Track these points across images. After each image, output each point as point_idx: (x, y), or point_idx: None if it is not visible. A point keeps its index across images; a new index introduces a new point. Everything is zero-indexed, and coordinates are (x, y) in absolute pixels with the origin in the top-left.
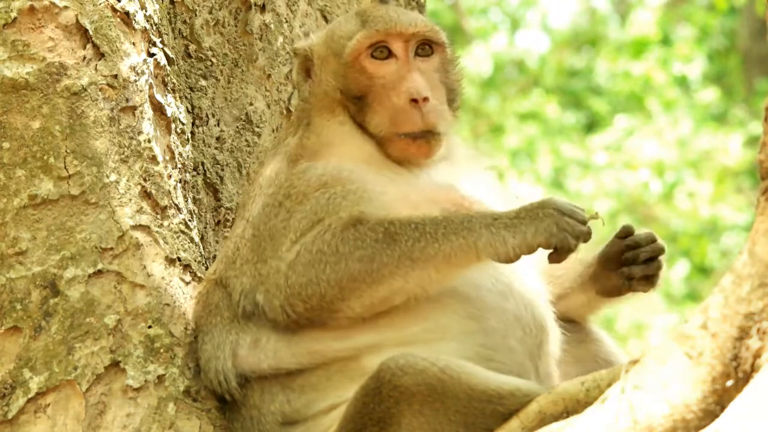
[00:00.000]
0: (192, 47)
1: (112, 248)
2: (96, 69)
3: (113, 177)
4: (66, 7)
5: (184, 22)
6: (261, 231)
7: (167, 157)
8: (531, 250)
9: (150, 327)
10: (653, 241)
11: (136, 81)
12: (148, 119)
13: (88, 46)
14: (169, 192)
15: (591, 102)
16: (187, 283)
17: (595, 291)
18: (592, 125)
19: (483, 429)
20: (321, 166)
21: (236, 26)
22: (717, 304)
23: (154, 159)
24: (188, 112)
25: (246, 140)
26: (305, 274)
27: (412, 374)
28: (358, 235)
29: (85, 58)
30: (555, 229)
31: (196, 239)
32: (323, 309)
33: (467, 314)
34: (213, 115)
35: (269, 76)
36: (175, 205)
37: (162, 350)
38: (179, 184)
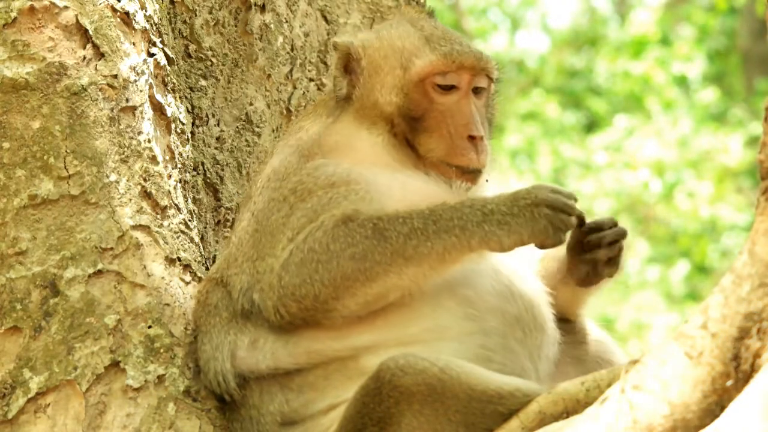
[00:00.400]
0: (192, 47)
1: (112, 248)
2: (96, 69)
3: (113, 177)
4: (66, 7)
5: (184, 22)
6: (263, 226)
7: (167, 157)
8: (523, 245)
9: (150, 327)
10: (615, 224)
11: (136, 81)
12: (148, 119)
13: (88, 46)
14: (169, 192)
15: (591, 102)
16: (187, 283)
17: (574, 282)
18: (592, 125)
19: (483, 429)
20: (333, 166)
21: (236, 26)
22: (717, 304)
23: (154, 159)
24: (188, 112)
25: (246, 140)
26: (298, 274)
27: (412, 374)
28: (348, 231)
29: (85, 58)
30: (551, 230)
31: (196, 239)
32: (317, 309)
33: (466, 315)
34: (213, 115)
35: (269, 76)
36: (175, 205)
37: (162, 350)
38: (179, 184)
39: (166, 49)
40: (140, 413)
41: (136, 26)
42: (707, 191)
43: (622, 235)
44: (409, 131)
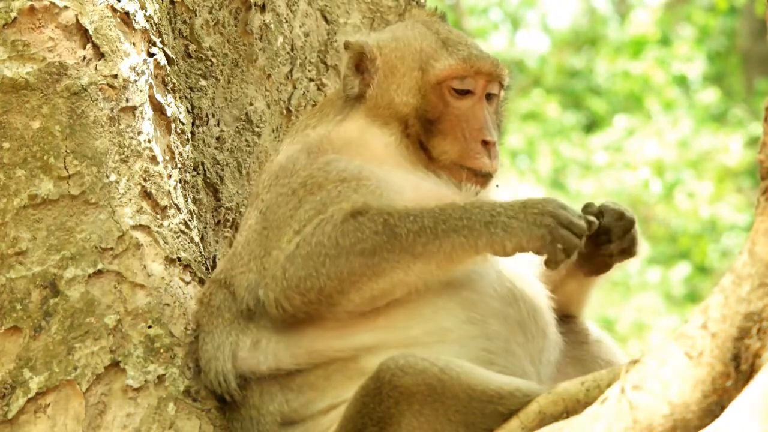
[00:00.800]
0: (192, 47)
1: (112, 248)
2: (96, 69)
3: (113, 177)
4: (66, 7)
5: (184, 22)
6: (270, 222)
7: (167, 157)
8: (524, 252)
9: (150, 327)
10: (621, 217)
11: (136, 81)
12: (148, 119)
13: (88, 46)
14: (169, 192)
15: (591, 102)
16: (187, 283)
17: (583, 273)
18: (592, 125)
19: (483, 429)
20: (345, 162)
21: (236, 26)
22: (717, 304)
23: (154, 159)
24: (188, 112)
25: (246, 140)
26: (304, 266)
27: (412, 374)
28: (358, 225)
29: (85, 58)
30: (548, 239)
31: (196, 239)
32: (321, 302)
33: (469, 319)
34: (213, 115)
35: (269, 76)
36: (175, 205)
37: (162, 350)
38: (179, 184)
39: (166, 49)
40: (140, 413)
41: (136, 26)
42: (707, 191)
43: (630, 225)
44: (423, 133)
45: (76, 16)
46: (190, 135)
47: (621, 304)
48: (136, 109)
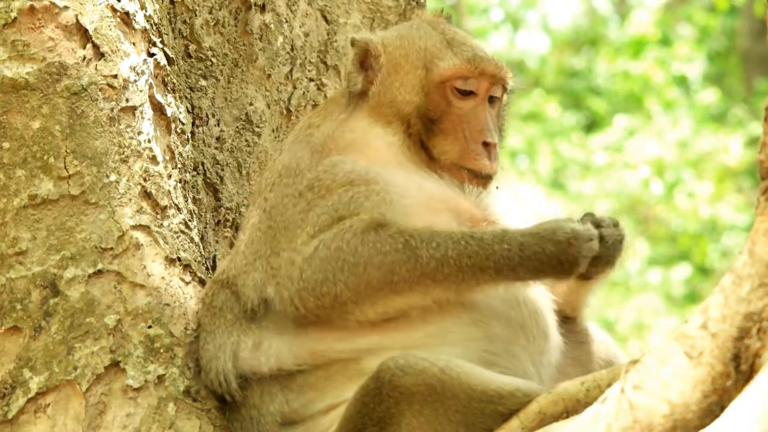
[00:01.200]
0: (192, 47)
1: (112, 248)
2: (96, 69)
3: (113, 177)
4: (66, 7)
5: (184, 22)
6: (277, 222)
7: (167, 157)
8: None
9: (150, 327)
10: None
11: (136, 81)
12: (148, 119)
13: (88, 46)
14: (169, 192)
15: (591, 102)
16: (187, 283)
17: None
18: (592, 125)
19: (483, 429)
20: (350, 163)
21: (236, 26)
22: (717, 304)
23: (154, 159)
24: (188, 112)
25: (246, 140)
26: (322, 270)
27: (412, 374)
28: (378, 239)
29: (85, 58)
30: (570, 273)
31: (196, 239)
32: (335, 309)
33: (472, 321)
34: (213, 115)
35: (269, 76)
36: (175, 205)
37: (162, 350)
38: (179, 184)
39: (166, 49)
40: (140, 413)
41: (136, 26)
42: (707, 191)
43: (623, 236)
44: (425, 132)
45: (76, 16)
46: (190, 135)
47: (621, 305)
48: (136, 109)
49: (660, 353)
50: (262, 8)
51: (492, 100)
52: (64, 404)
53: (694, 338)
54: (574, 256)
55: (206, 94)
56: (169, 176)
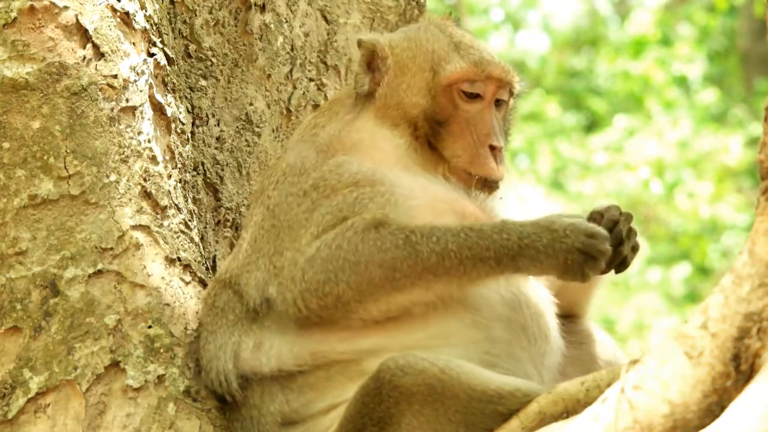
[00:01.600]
0: (192, 47)
1: (112, 248)
2: (96, 69)
3: (113, 177)
4: (66, 7)
5: (184, 22)
6: (281, 221)
7: (167, 157)
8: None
9: (150, 327)
10: (612, 227)
11: (136, 81)
12: (148, 119)
13: (88, 46)
14: (169, 192)
15: (591, 102)
16: (187, 283)
17: None
18: (592, 125)
19: (483, 429)
20: (356, 164)
21: (236, 26)
22: (717, 304)
23: (154, 159)
24: (188, 112)
25: (246, 140)
26: (323, 270)
27: (412, 374)
28: (379, 236)
29: (85, 58)
30: (579, 274)
31: (196, 239)
32: (338, 309)
33: (473, 323)
34: (213, 115)
35: (269, 76)
36: (175, 205)
37: (162, 350)
38: (179, 184)
39: (166, 49)
40: (140, 413)
41: (136, 26)
42: (707, 191)
43: (635, 233)
44: (432, 134)
45: (76, 16)
46: (190, 135)
47: (621, 304)
48: (136, 109)
49: (660, 353)
50: (262, 8)
51: (498, 103)
52: (64, 404)
53: (694, 338)
54: (568, 247)
55: (206, 94)
56: (169, 176)
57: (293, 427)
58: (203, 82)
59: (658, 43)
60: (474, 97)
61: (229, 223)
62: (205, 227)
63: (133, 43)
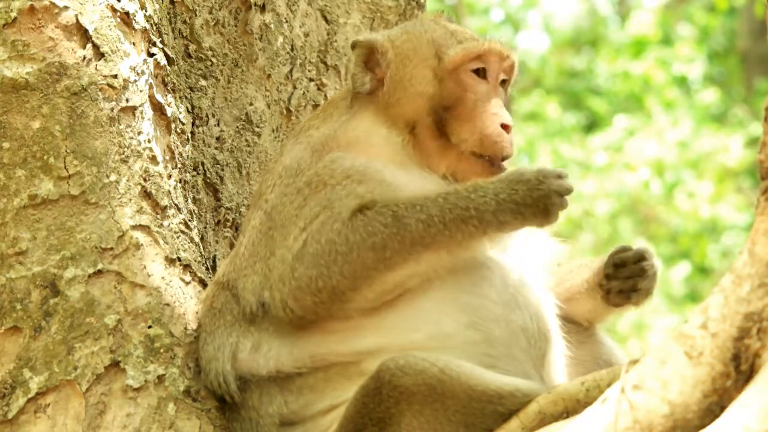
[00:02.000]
0: (192, 47)
1: (112, 248)
2: (96, 69)
3: (113, 177)
4: (66, 7)
5: (184, 22)
6: (276, 222)
7: (167, 157)
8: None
9: (150, 327)
10: (638, 260)
11: (136, 81)
12: (148, 119)
13: (88, 46)
14: (169, 192)
15: (591, 102)
16: (187, 283)
17: (600, 297)
18: (592, 125)
19: (483, 429)
20: (350, 159)
21: (236, 26)
22: (717, 304)
23: (154, 159)
24: (188, 112)
25: (246, 140)
26: (315, 266)
27: (411, 374)
28: (367, 220)
29: (85, 58)
30: (556, 216)
31: (196, 239)
32: (334, 301)
33: (471, 324)
34: (213, 115)
35: (269, 76)
36: (175, 205)
37: (162, 350)
38: (179, 184)
39: (166, 49)
40: (140, 413)
41: (136, 26)
42: (707, 191)
43: (639, 272)
44: (440, 122)
45: (76, 16)
46: (190, 135)
47: (621, 313)
48: (136, 109)
49: (660, 353)
50: (262, 8)
51: (503, 83)
52: (64, 404)
53: (694, 338)
54: (546, 193)
55: (206, 94)
56: (169, 176)
57: (292, 427)
58: (203, 82)
59: (658, 43)
60: (481, 74)
61: (229, 223)
62: (205, 227)
63: (133, 43)
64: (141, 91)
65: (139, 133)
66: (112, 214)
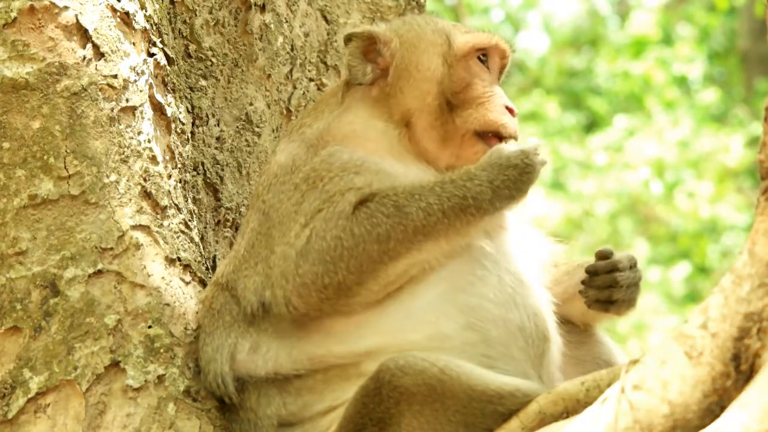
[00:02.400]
0: (192, 47)
1: (112, 248)
2: (96, 69)
3: (113, 177)
4: (66, 7)
5: (184, 22)
6: (274, 221)
7: (167, 157)
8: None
9: (150, 327)
10: (634, 264)
11: (136, 81)
12: (148, 119)
13: (88, 46)
14: (169, 192)
15: (591, 102)
16: (187, 283)
17: (586, 305)
18: (592, 125)
19: (483, 429)
20: (347, 153)
21: (236, 26)
22: (717, 304)
23: (154, 159)
24: (188, 112)
25: (246, 140)
26: (321, 261)
27: (411, 374)
28: (369, 212)
29: (85, 58)
30: (533, 184)
31: (196, 239)
32: (339, 297)
33: (468, 324)
34: (213, 115)
35: (269, 76)
36: (175, 205)
37: (162, 350)
38: (179, 184)
39: (166, 49)
40: (140, 413)
41: (136, 26)
42: (707, 191)
43: (612, 282)
44: (446, 106)
45: (76, 16)
46: (190, 135)
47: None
48: (136, 109)
49: (660, 353)
50: (262, 8)
51: (499, 76)
52: (64, 404)
53: (694, 338)
54: (534, 174)
55: (206, 94)
56: (169, 176)
57: (290, 429)
58: (203, 82)
59: (658, 43)
60: (485, 64)
61: (229, 223)
62: (205, 227)
63: (133, 43)
64: (141, 91)
65: (139, 133)
66: (112, 214)
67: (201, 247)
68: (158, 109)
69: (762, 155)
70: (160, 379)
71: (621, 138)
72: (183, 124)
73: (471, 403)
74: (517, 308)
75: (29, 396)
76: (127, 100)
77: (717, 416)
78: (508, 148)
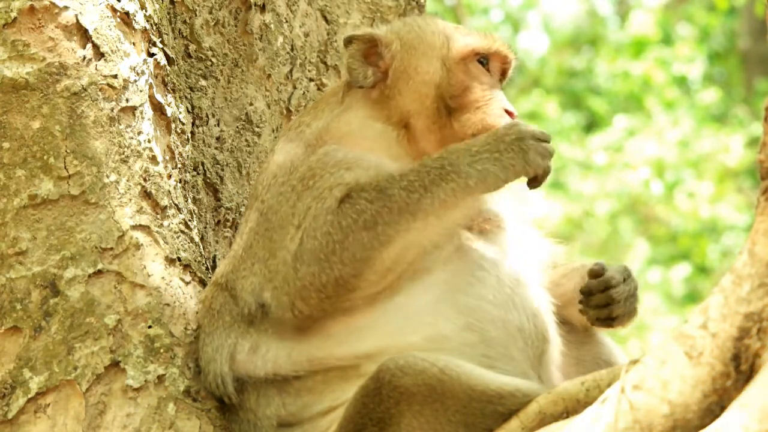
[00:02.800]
0: (192, 47)
1: (112, 248)
2: (96, 69)
3: (113, 177)
4: (66, 7)
5: (184, 22)
6: (273, 222)
7: (167, 157)
8: (518, 179)
9: (150, 327)
10: (629, 275)
11: (136, 81)
12: (148, 119)
13: (88, 46)
14: (169, 192)
15: (591, 102)
16: (187, 283)
17: (587, 318)
18: (592, 125)
19: (483, 429)
20: (343, 151)
21: (236, 26)
22: (717, 304)
23: (154, 159)
24: (188, 112)
25: (246, 140)
26: (315, 260)
27: (411, 375)
28: (353, 201)
29: (85, 58)
30: (539, 159)
31: (196, 239)
32: (339, 293)
33: (467, 325)
34: (213, 115)
35: (269, 76)
36: (175, 205)
37: (162, 350)
38: (179, 184)
39: (166, 49)
40: (140, 413)
41: (136, 26)
42: (707, 191)
43: (608, 300)
44: (444, 110)
45: (76, 16)
46: (190, 135)
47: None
48: (136, 109)
49: (660, 353)
50: (262, 8)
51: (500, 81)
52: (64, 404)
53: (694, 338)
54: (518, 136)
55: (206, 94)
56: (169, 176)
57: (290, 429)
58: (203, 82)
59: (658, 43)
60: (485, 68)
61: (229, 223)
62: (205, 227)
63: (133, 43)
64: (141, 91)
65: (139, 133)
66: (112, 214)
67: (201, 247)
68: (158, 109)
69: (762, 155)
70: (160, 379)
71: (621, 138)
72: (183, 124)
73: (471, 403)
74: (516, 309)
75: (29, 396)
76: (127, 100)
77: (717, 416)
78: (531, 130)
